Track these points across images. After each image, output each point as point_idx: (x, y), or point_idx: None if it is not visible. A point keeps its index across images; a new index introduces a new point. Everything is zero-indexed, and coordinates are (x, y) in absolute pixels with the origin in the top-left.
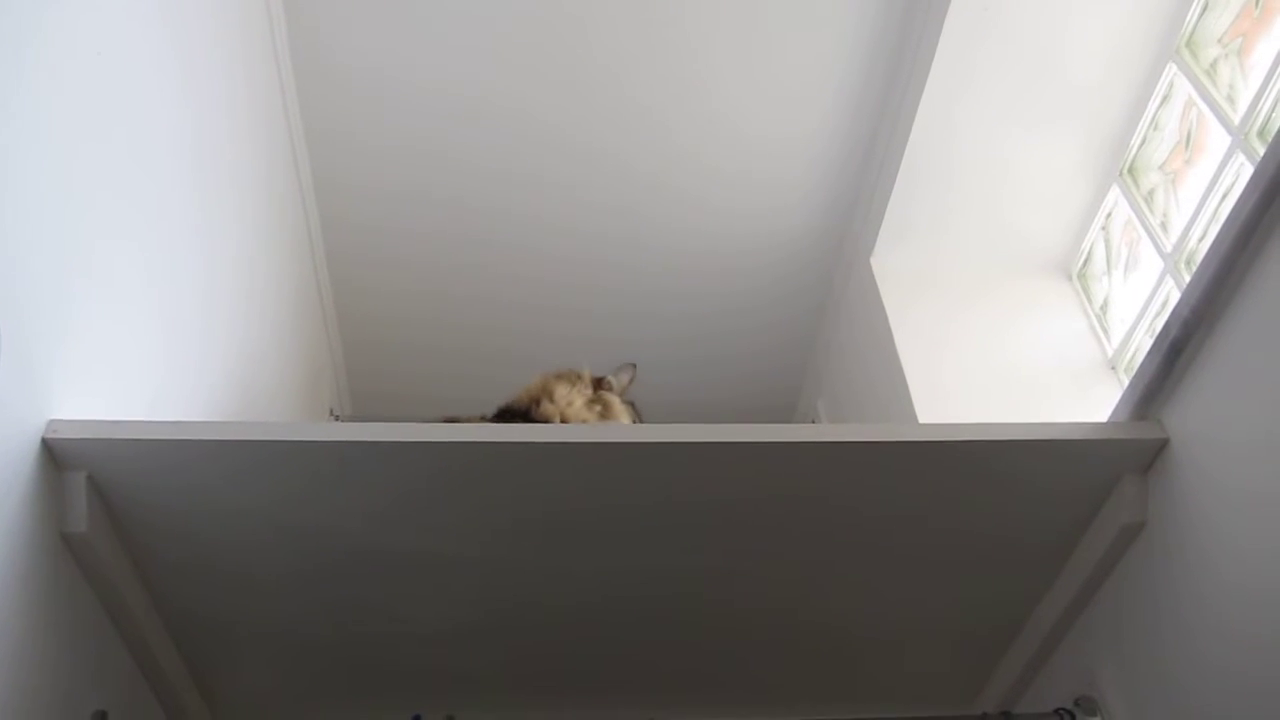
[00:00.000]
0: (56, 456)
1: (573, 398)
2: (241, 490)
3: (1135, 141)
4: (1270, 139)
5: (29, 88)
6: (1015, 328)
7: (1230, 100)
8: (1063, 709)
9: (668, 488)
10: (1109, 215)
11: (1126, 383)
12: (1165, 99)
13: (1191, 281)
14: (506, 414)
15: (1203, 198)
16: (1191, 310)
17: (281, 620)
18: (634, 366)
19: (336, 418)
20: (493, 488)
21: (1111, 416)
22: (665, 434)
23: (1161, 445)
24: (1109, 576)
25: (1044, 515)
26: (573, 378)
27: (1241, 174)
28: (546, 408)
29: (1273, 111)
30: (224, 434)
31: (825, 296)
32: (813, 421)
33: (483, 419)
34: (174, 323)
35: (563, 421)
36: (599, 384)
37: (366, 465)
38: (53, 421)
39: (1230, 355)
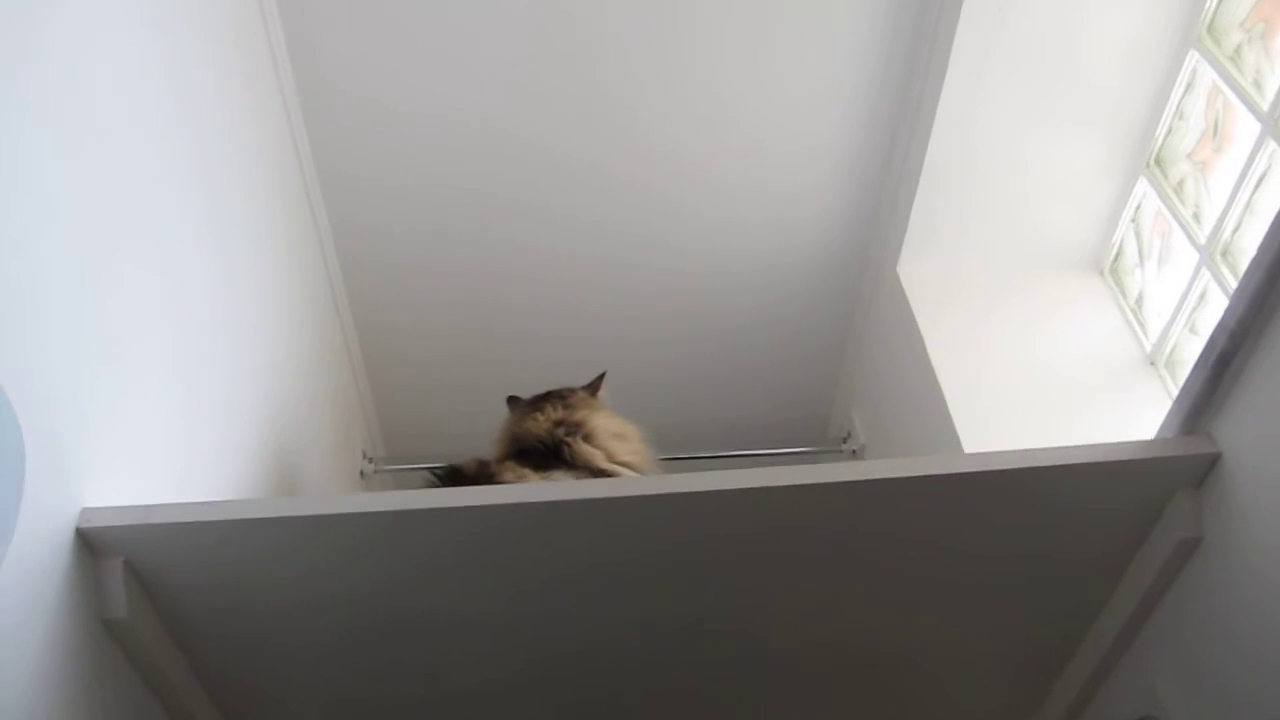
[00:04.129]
0: (92, 544)
1: (599, 421)
2: (276, 564)
3: (1160, 132)
4: None
5: (41, 170)
6: (1049, 327)
7: (1257, 85)
8: None
9: (711, 533)
10: (1138, 208)
11: (1167, 378)
12: (1189, 87)
13: (1236, 293)
14: (529, 455)
15: (1235, 186)
16: (1238, 322)
17: (324, 686)
18: (604, 374)
19: (369, 460)
20: (526, 545)
21: (1160, 431)
22: (702, 483)
23: (1214, 459)
24: (1167, 593)
25: (1097, 535)
26: (571, 397)
27: (1274, 161)
28: (585, 450)
29: None
30: (254, 512)
31: (854, 307)
32: (848, 434)
33: (505, 458)
34: (199, 389)
35: (608, 455)
36: (593, 390)
37: (396, 533)
38: (85, 510)
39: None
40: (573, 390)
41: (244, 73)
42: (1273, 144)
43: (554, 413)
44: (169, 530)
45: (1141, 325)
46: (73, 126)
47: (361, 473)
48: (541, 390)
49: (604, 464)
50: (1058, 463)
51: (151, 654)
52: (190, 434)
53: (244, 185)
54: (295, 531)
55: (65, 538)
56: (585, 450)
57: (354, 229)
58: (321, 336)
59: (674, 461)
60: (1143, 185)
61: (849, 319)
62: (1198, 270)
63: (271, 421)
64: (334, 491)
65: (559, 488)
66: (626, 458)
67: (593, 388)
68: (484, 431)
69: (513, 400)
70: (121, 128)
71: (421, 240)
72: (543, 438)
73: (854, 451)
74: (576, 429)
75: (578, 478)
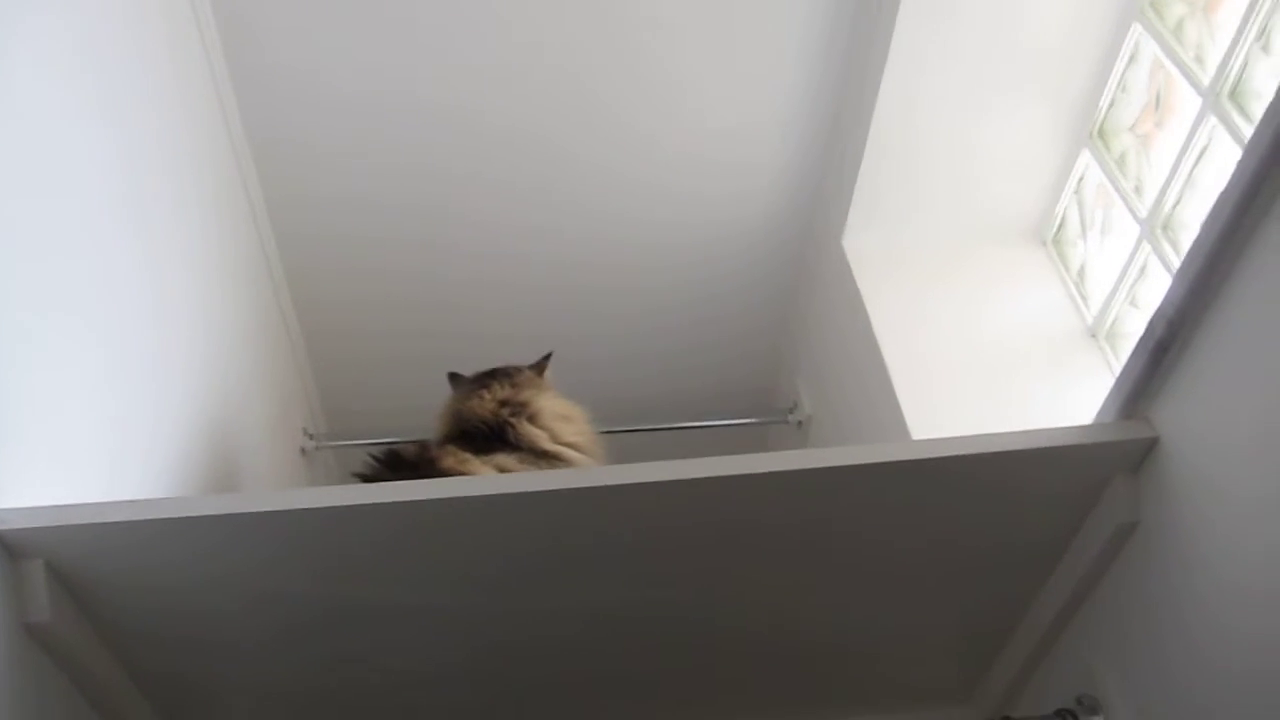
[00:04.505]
0: (10, 547)
1: (545, 402)
2: (207, 563)
3: (1104, 104)
4: (1242, 101)
5: None
6: (992, 299)
7: (1199, 60)
8: (1064, 710)
9: (652, 524)
10: (1081, 180)
11: (1107, 350)
12: (1132, 59)
13: (1175, 278)
14: (472, 437)
15: (1176, 160)
16: (1176, 310)
17: (266, 679)
18: (549, 354)
19: (310, 437)
20: (467, 537)
21: (1099, 415)
22: (643, 474)
23: (1151, 444)
24: (1105, 575)
25: (1036, 519)
26: (518, 376)
27: (1214, 136)
28: (530, 431)
29: (1243, 72)
30: (180, 510)
31: (799, 279)
32: (794, 405)
33: (447, 439)
34: (126, 373)
35: (552, 436)
36: (539, 370)
37: (332, 529)
38: (1, 512)
39: (1217, 352)
40: (519, 369)
41: (167, 41)
42: (1213, 119)
43: (500, 391)
44: (91, 531)
45: (1083, 297)
46: None
47: (303, 449)
48: (483, 366)
49: (549, 445)
50: (998, 449)
51: (79, 657)
52: (120, 420)
53: (168, 158)
54: (226, 530)
55: None
56: (530, 431)
57: (288, 201)
58: (256, 311)
59: (621, 434)
60: (1085, 157)
61: (795, 291)
62: (1139, 243)
63: (207, 401)
64: (274, 470)
65: (499, 481)
66: (572, 439)
67: (539, 368)
68: (427, 406)
69: (454, 377)
70: (36, 105)
71: (359, 211)
72: (486, 419)
73: (800, 423)
74: (522, 409)
75: (521, 460)
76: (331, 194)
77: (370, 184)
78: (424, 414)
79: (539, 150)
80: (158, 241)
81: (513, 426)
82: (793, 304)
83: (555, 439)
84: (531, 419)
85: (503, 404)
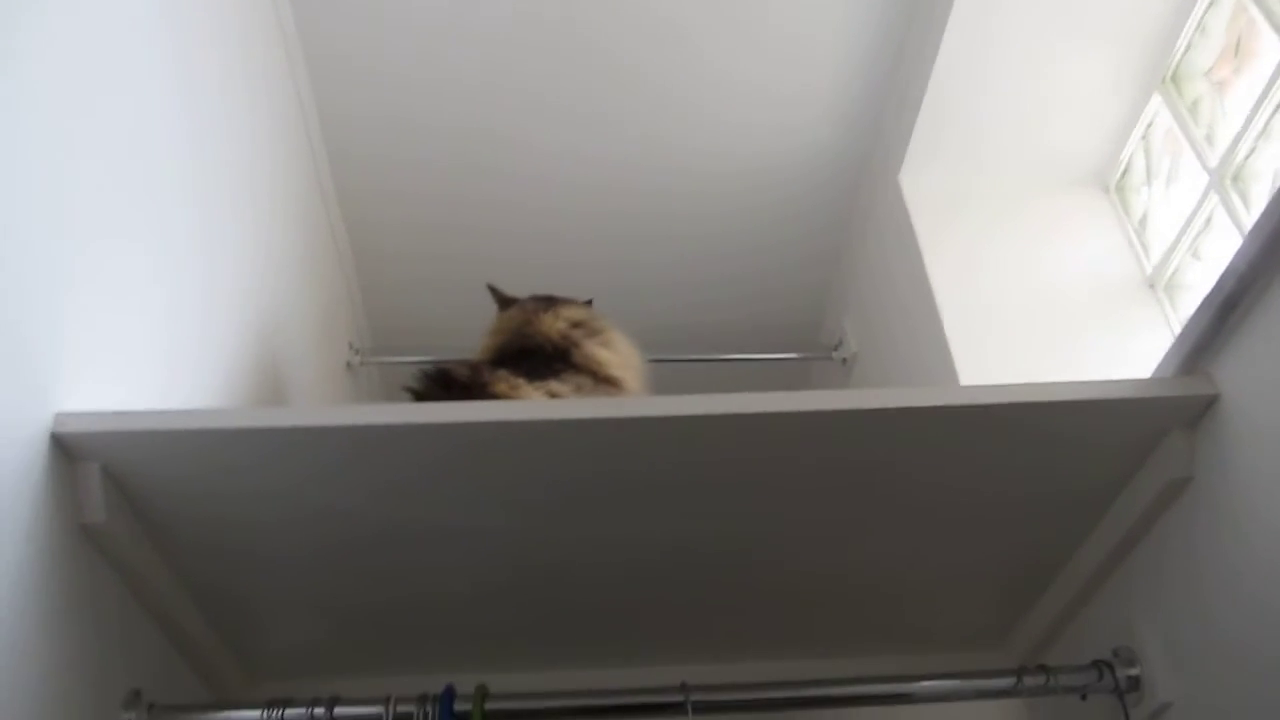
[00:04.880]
0: (68, 449)
1: (616, 334)
2: (257, 474)
3: (1180, 47)
4: None
5: (19, 68)
6: (1050, 245)
7: None
8: (1100, 661)
9: (699, 456)
10: (1150, 125)
11: (1165, 301)
12: (1213, 1)
13: (1249, 236)
14: (530, 355)
15: (1253, 110)
16: (1249, 266)
17: (311, 594)
18: (590, 300)
19: (356, 352)
20: (518, 461)
21: (1158, 369)
22: (692, 406)
23: (1211, 400)
24: (1152, 530)
25: (1088, 469)
26: (588, 306)
27: None
28: (599, 353)
29: None
30: (232, 421)
31: (852, 213)
32: (839, 342)
33: (498, 357)
34: (179, 283)
35: (621, 363)
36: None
37: (382, 446)
38: (60, 415)
39: None
40: (570, 300)
41: None
42: None
43: (575, 313)
44: (146, 438)
45: (1144, 246)
46: (51, 26)
47: (348, 364)
48: (527, 290)
49: (615, 371)
50: (1056, 398)
51: (131, 560)
52: (172, 329)
53: (224, 73)
54: (280, 443)
55: (40, 441)
56: (600, 354)
57: (344, 121)
58: (306, 226)
59: (662, 364)
60: (1156, 102)
61: (847, 226)
62: (1206, 194)
63: (256, 310)
64: (319, 383)
65: (550, 406)
66: (635, 370)
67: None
68: (471, 326)
69: (495, 291)
70: (96, 15)
71: (413, 132)
72: (554, 339)
73: (844, 360)
74: (596, 334)
75: (577, 387)
76: (386, 113)
77: (426, 105)
78: (469, 336)
79: (596, 71)
80: (210, 153)
81: (579, 347)
82: (844, 239)
83: (622, 366)
84: (605, 345)
85: (576, 325)
